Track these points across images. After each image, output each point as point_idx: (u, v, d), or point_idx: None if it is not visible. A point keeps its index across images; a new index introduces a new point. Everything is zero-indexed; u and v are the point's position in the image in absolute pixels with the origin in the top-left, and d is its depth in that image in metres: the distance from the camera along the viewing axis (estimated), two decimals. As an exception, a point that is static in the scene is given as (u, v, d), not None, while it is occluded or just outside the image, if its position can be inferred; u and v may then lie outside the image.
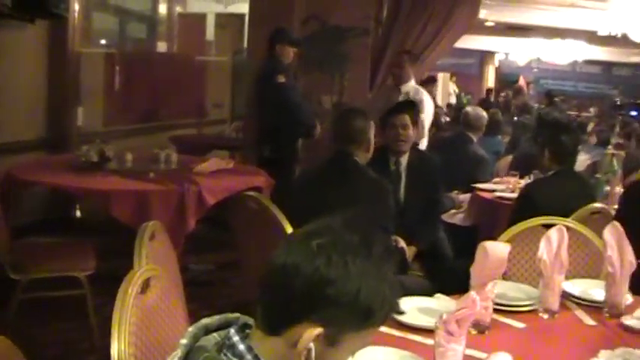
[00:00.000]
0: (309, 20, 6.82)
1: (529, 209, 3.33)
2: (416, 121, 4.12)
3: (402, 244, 3.73)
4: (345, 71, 7.00)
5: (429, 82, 10.09)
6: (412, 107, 4.23)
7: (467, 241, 4.07)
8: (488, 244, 2.09)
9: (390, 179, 4.02)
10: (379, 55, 7.34)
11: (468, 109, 6.38)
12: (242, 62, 8.52)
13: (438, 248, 4.15)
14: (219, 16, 10.20)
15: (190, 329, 1.17)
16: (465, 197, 5.34)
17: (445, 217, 4.98)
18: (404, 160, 4.15)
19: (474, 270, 2.10)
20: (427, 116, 5.92)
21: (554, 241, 2.33)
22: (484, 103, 16.41)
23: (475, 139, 6.01)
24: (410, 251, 3.84)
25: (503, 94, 17.27)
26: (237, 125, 7.97)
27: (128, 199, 3.90)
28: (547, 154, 3.78)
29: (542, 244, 2.33)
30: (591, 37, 14.79)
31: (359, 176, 3.30)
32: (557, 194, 3.62)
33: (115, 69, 7.46)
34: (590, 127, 11.82)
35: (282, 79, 5.56)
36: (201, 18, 10.05)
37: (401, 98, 5.59)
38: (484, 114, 6.21)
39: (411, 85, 5.97)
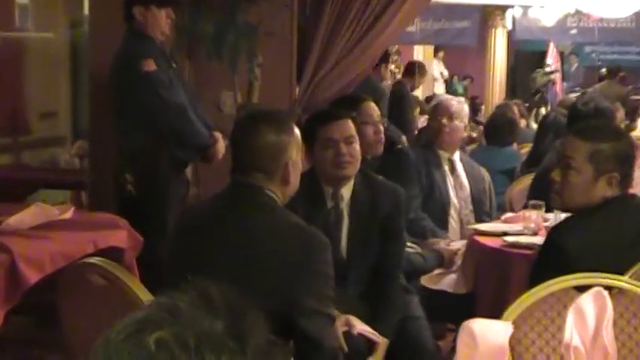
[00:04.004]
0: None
1: (563, 265, 3.34)
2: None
3: (362, 327, 3.72)
4: (256, 54, 7.02)
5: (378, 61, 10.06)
6: (356, 104, 4.30)
7: (463, 319, 4.10)
8: (477, 325, 2.12)
9: (324, 223, 4.03)
10: (312, 27, 7.37)
11: None
12: (83, 41, 8.47)
13: (410, 337, 4.17)
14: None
15: None
16: (458, 245, 5.35)
17: (426, 281, 5.02)
18: (346, 191, 4.19)
19: (456, 369, 2.13)
20: None
21: (589, 314, 2.35)
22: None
23: None
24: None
25: None
26: (81, 146, 7.92)
27: None
28: (589, 173, 3.72)
29: (570, 319, 2.36)
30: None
31: (272, 224, 3.31)
32: (609, 239, 3.64)
33: None
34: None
35: (149, 65, 5.53)
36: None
37: None
38: None
39: None
